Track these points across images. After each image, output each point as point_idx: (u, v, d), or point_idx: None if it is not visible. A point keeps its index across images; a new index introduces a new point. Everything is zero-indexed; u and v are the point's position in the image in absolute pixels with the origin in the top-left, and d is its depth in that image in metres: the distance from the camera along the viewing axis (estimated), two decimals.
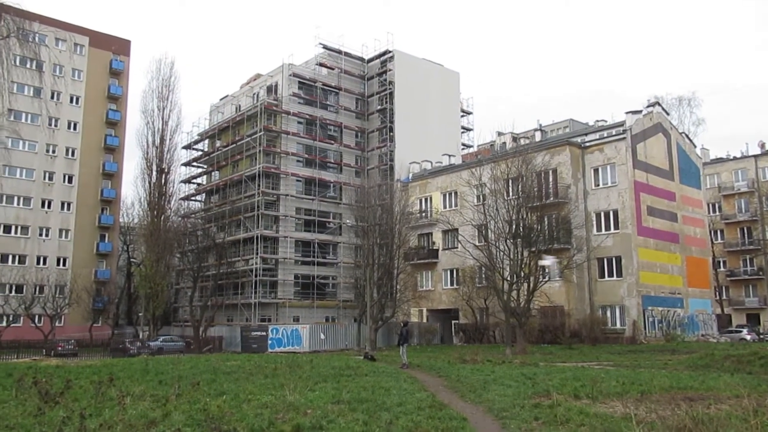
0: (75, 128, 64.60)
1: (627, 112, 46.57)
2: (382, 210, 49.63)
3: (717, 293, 61.52)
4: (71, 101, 64.79)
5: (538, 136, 60.34)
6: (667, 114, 51.48)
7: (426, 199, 54.97)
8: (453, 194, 52.58)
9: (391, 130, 63.69)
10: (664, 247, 44.85)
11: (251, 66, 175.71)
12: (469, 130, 73.90)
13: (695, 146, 53.83)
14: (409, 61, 66.18)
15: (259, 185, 58.95)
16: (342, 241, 60.70)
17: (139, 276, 56.09)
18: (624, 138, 44.21)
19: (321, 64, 65.00)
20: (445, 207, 53.09)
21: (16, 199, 60.57)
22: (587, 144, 46.09)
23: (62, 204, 62.90)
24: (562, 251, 40.40)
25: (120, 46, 68.35)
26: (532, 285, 35.39)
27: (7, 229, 59.44)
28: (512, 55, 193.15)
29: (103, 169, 65.40)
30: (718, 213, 68.97)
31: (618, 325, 42.09)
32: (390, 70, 64.77)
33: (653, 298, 42.94)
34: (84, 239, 63.05)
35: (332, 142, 64.04)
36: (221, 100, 73.62)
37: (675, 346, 36.54)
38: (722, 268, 67.69)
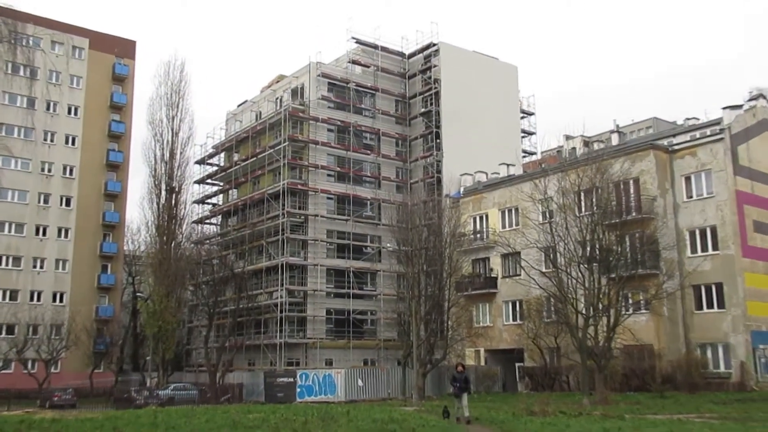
0: (73, 143, 66.37)
1: (724, 108, 45.70)
2: (429, 231, 48.92)
3: None
4: (69, 112, 66.71)
5: (615, 139, 59.30)
6: None
7: (481, 218, 55.02)
8: (513, 211, 52.37)
9: (438, 136, 64.27)
10: None
11: (273, 67, 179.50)
12: (530, 134, 73.79)
13: None
14: (458, 55, 66.81)
15: (283, 205, 59.94)
16: (382, 269, 61.13)
17: (147, 313, 56.75)
18: (722, 138, 43.34)
19: (354, 62, 65.94)
20: (504, 226, 52.94)
21: (6, 225, 62.10)
22: (676, 147, 45.42)
23: (59, 230, 64.33)
24: (649, 278, 39.63)
25: (124, 48, 70.18)
26: (612, 319, 34.91)
27: None
28: (579, 44, 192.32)
29: (105, 189, 66.98)
30: None
31: (722, 368, 41.07)
32: (435, 65, 65.56)
33: (765, 334, 41.75)
34: (83, 271, 64.23)
35: (369, 152, 64.88)
36: (239, 106, 74.95)
37: None
38: None
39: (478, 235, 54.60)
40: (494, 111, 67.30)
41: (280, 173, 62.14)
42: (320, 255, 60.36)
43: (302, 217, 60.96)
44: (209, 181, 73.13)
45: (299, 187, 60.81)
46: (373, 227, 63.24)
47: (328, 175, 62.96)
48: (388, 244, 54.14)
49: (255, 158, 64.82)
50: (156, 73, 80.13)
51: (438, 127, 64.07)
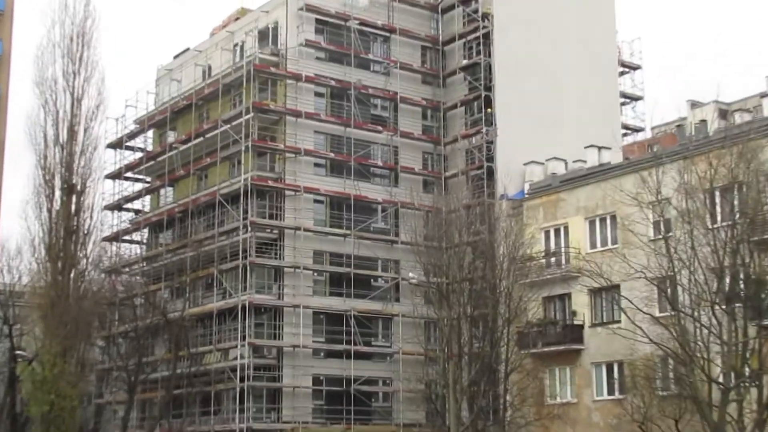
0: None
1: None
2: (475, 253, 49.74)
3: None
4: None
5: None
6: None
7: (557, 231, 54.53)
8: (608, 221, 51.74)
9: (489, 103, 63.53)
10: None
11: None
12: (635, 99, 73.82)
13: None
14: None
15: (246, 211, 59.75)
16: (401, 312, 60.78)
17: (32, 382, 56.16)
18: None
19: None
20: (593, 245, 52.30)
21: None
22: None
23: None
24: None
25: None
26: (766, 392, 34.83)
27: None
28: None
29: None
30: None
31: None
32: None
33: None
34: None
35: (380, 128, 64.74)
36: (176, 58, 75.10)
37: None
38: None
39: (553, 260, 54.20)
40: (577, 63, 66.89)
41: (240, 162, 62.10)
42: (303, 291, 60.07)
43: (275, 231, 61.06)
44: (130, 174, 73.13)
45: (270, 184, 60.83)
46: (387, 247, 63.16)
47: (317, 164, 63.06)
48: (411, 274, 53.67)
49: (202, 139, 64.75)
50: (49, 7, 78.95)
51: (489, 89, 63.50)
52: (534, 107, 63.87)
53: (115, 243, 72.12)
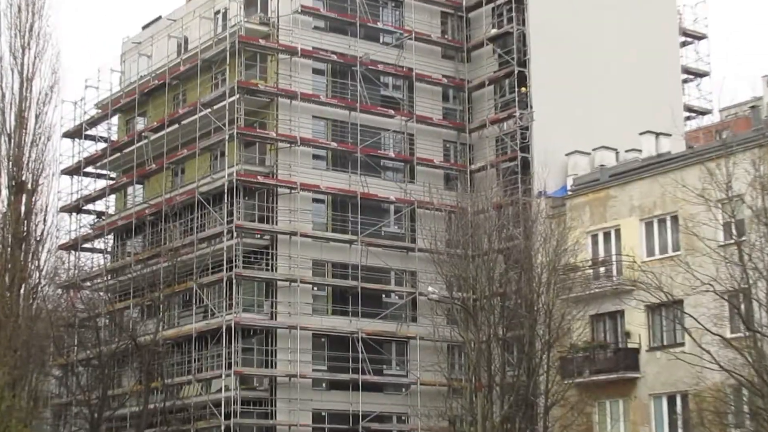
0: None
1: None
2: (507, 261, 50.08)
3: None
4: None
5: None
6: None
7: (606, 235, 54.90)
8: (668, 223, 51.81)
9: (523, 81, 63.61)
10: None
11: None
12: (700, 75, 74.30)
13: None
14: None
15: (231, 213, 59.75)
16: (418, 333, 60.75)
17: None
18: None
19: None
20: (650, 253, 52.20)
21: None
22: None
23: None
24: None
25: None
26: None
27: None
28: None
29: None
30: None
31: None
32: None
33: None
34: None
35: (392, 111, 64.81)
36: (146, 28, 75.45)
37: None
38: None
39: (602, 270, 54.30)
40: (630, 32, 66.76)
41: (224, 154, 62.14)
42: (301, 309, 60.02)
43: (266, 236, 61.15)
44: (91, 169, 73.63)
45: (260, 180, 60.96)
46: (401, 255, 63.43)
47: (316, 156, 63.27)
48: (430, 288, 53.55)
49: (177, 126, 64.90)
50: None
51: (523, 63, 63.52)
52: (578, 85, 63.70)
53: (73, 252, 72.10)
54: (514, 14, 64.60)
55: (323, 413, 60.17)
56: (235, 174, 59.78)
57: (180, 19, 70.72)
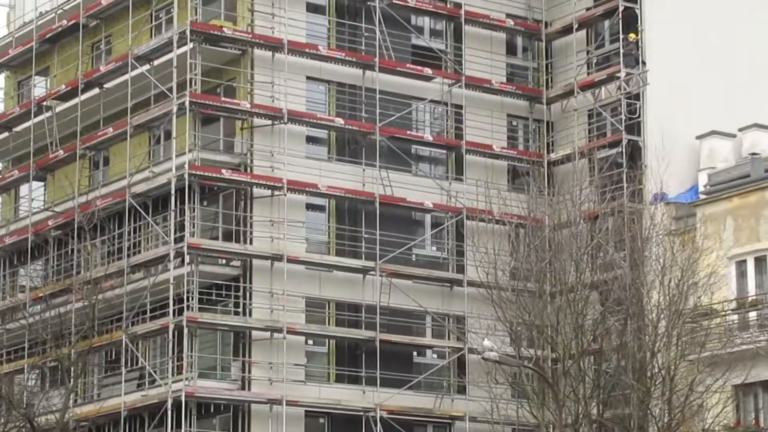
0: None
1: None
2: (604, 301, 43.80)
3: None
4: None
5: None
6: None
7: (759, 261, 48.46)
8: None
9: (632, 23, 54.16)
10: None
11: None
12: None
13: None
14: None
15: (182, 226, 50.55)
16: (468, 411, 51.75)
17: None
18: None
19: None
20: None
21: None
22: None
23: None
24: None
25: None
26: None
27: None
28: None
29: None
30: None
31: None
32: None
33: None
34: None
35: (429, 70, 54.87)
36: None
37: None
38: None
39: (753, 315, 47.42)
40: None
41: (170, 135, 52.16)
42: (288, 373, 49.80)
43: (236, 261, 51.34)
44: None
45: (226, 175, 50.49)
46: (442, 291, 53.19)
47: (312, 139, 52.64)
48: (487, 342, 42.77)
49: (98, 91, 54.76)
50: None
51: None
52: (715, 34, 54.79)
53: None
54: None
55: None
56: (187, 166, 49.56)
57: None
